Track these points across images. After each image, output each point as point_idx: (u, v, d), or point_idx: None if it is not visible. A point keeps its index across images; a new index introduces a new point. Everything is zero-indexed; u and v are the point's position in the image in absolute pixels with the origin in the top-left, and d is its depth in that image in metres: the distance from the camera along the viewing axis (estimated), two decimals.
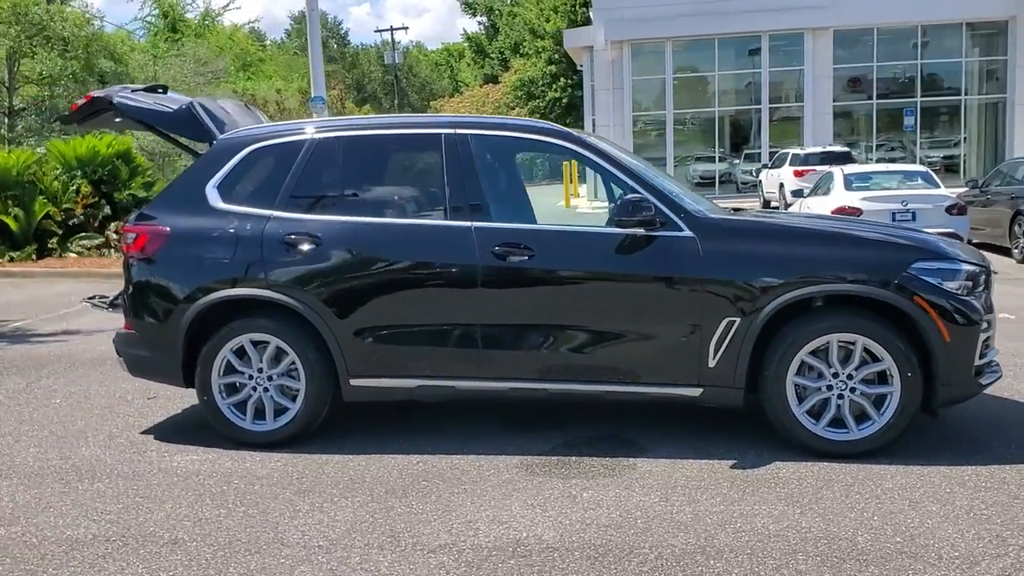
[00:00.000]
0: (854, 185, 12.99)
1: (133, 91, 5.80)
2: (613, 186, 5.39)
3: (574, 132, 5.46)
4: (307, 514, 4.32)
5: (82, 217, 15.60)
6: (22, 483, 4.86)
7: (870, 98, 29.81)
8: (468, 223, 5.13)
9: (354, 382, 5.25)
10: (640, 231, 4.96)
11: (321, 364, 5.24)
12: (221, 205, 5.41)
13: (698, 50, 30.12)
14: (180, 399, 6.46)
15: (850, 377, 4.84)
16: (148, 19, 36.43)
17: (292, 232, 5.25)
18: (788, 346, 4.83)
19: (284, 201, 5.34)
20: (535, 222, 5.34)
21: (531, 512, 4.27)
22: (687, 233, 4.95)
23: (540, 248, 5.04)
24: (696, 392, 4.99)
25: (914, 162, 25.74)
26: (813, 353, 4.87)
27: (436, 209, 5.27)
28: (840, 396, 4.87)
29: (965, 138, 29.77)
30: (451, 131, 5.31)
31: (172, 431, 5.76)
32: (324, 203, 5.41)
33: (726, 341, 4.87)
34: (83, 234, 15.42)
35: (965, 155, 29.58)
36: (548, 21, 48.84)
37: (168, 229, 5.40)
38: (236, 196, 5.44)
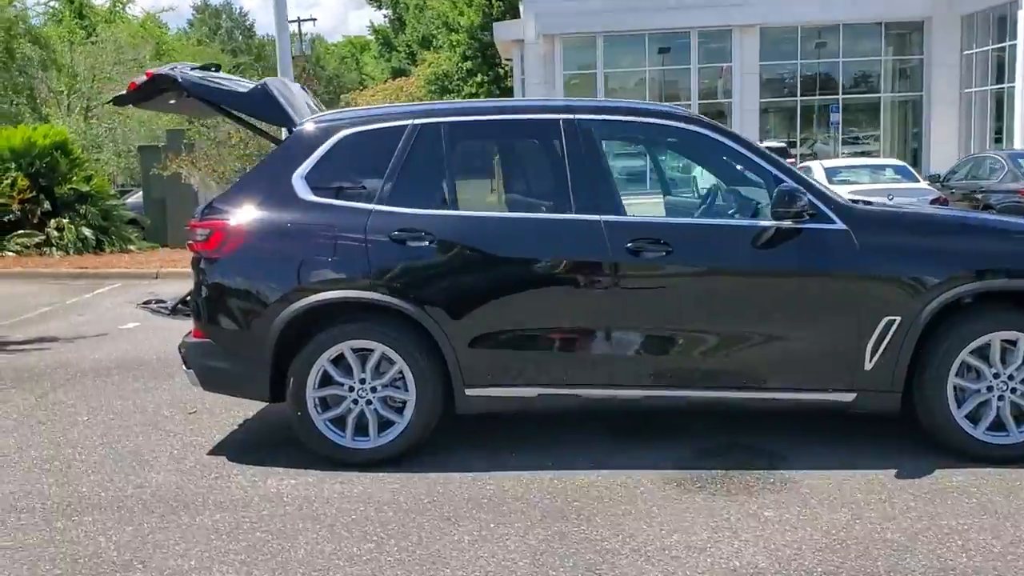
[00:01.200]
0: (836, 179, 12.97)
1: (191, 69, 5.14)
2: (749, 175, 5.01)
3: (704, 117, 5.06)
4: (474, 545, 3.82)
5: (19, 213, 14.41)
6: (107, 517, 4.21)
7: (794, 95, 30.30)
8: (596, 217, 4.68)
9: (470, 392, 4.75)
10: (787, 223, 4.60)
11: (433, 373, 4.72)
12: (312, 198, 4.82)
13: (628, 45, 30.09)
14: (226, 411, 5.84)
15: (1011, 378, 4.59)
16: (51, 4, 34.38)
17: (399, 228, 4.71)
18: (949, 346, 4.56)
19: (386, 193, 4.79)
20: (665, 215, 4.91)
21: (724, 535, 3.87)
22: (839, 225, 4.62)
23: (679, 243, 4.64)
24: (849, 397, 4.67)
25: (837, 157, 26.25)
26: (973, 353, 4.58)
27: (558, 202, 4.79)
28: (1000, 397, 4.61)
29: (877, 137, 30.56)
30: (570, 116, 4.85)
31: (243, 451, 5.14)
32: (431, 196, 4.89)
33: (885, 342, 4.57)
34: (21, 231, 14.25)
35: (880, 151, 30.35)
36: (462, 15, 48.20)
37: (251, 225, 4.79)
38: (329, 188, 4.87)
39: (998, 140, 27.64)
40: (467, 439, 5.14)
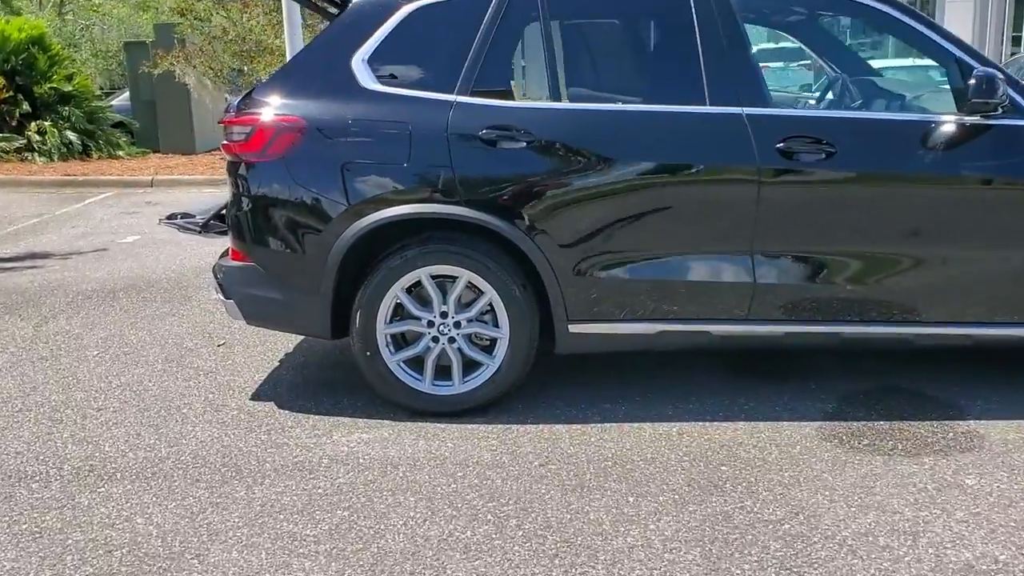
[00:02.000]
0: None
1: None
2: (932, 61, 4.06)
3: None
4: (619, 530, 3.01)
5: None
6: (142, 489, 3.37)
7: None
8: (737, 109, 3.74)
9: (574, 328, 3.88)
10: (976, 119, 3.69)
11: (530, 305, 3.84)
12: (377, 87, 3.86)
13: None
14: (261, 343, 4.98)
15: None
16: None
17: (490, 124, 3.76)
18: None
19: (471, 81, 3.83)
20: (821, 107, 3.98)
21: (933, 513, 3.07)
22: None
23: (843, 142, 3.71)
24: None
25: None
26: None
27: (688, 91, 3.83)
28: None
29: None
30: None
31: (294, 395, 4.28)
32: (528, 84, 3.93)
33: None
34: None
35: None
36: None
37: (304, 120, 3.82)
38: (397, 74, 3.89)
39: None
40: (558, 382, 4.29)
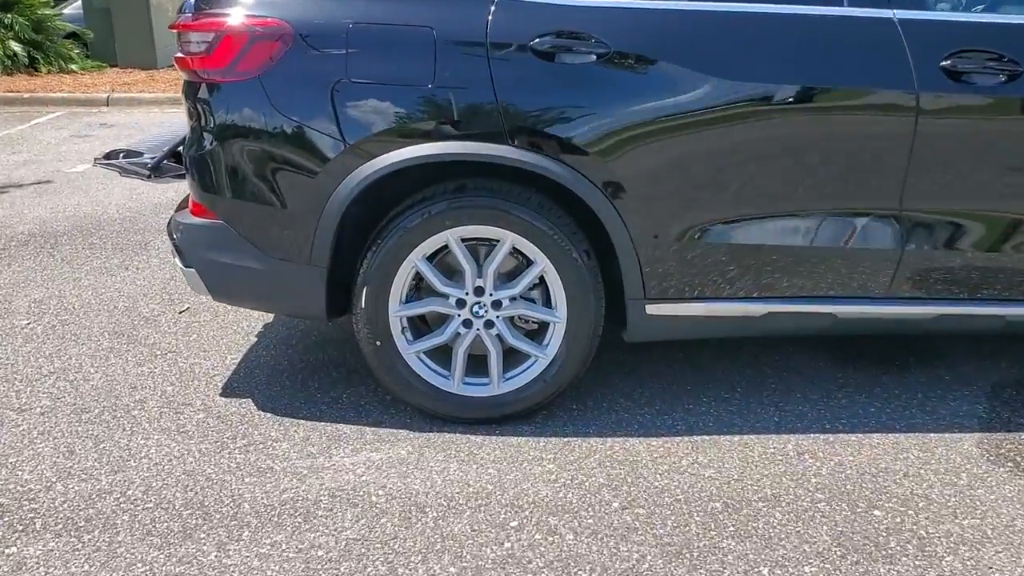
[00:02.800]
0: None
1: None
2: None
3: None
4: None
5: None
6: (72, 546, 2.41)
7: None
8: (887, 12, 2.70)
9: (653, 309, 2.89)
10: None
11: (595, 279, 2.84)
12: None
13: None
14: (236, 309, 3.93)
15: None
16: None
17: (547, 30, 2.70)
18: None
19: None
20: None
21: None
22: None
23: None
24: None
25: None
26: None
27: None
28: None
29: None
30: None
31: (279, 388, 3.30)
32: None
33: None
34: None
35: None
36: None
37: (287, 24, 2.74)
38: None
39: None
40: (608, 367, 3.32)
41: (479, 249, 2.91)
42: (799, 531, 2.41)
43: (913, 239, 2.83)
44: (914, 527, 2.42)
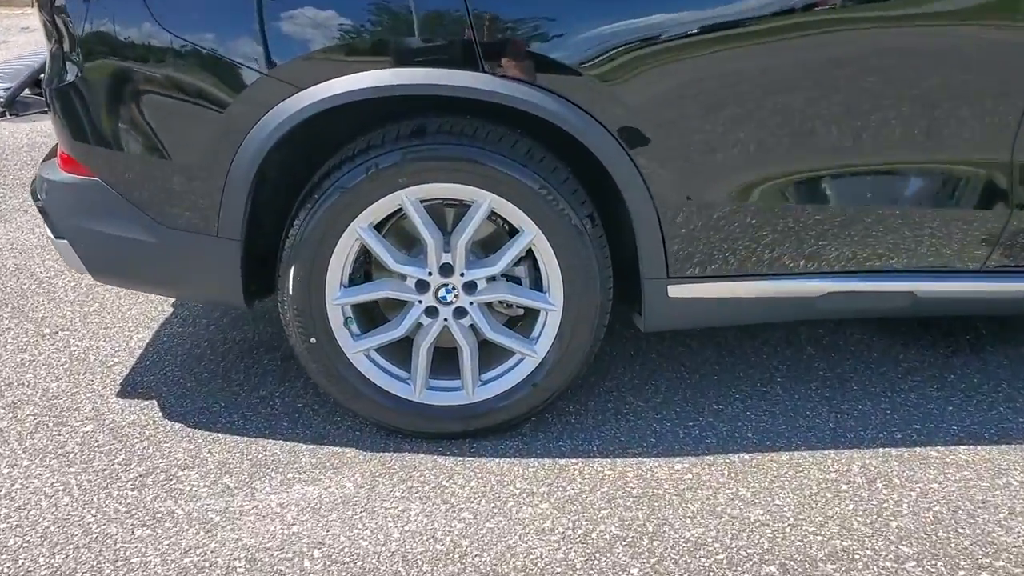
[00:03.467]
0: None
1: None
2: None
3: None
4: None
5: None
6: None
7: None
8: None
9: (676, 290, 2.16)
10: None
11: (601, 252, 2.10)
12: None
13: None
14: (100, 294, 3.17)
15: None
16: None
17: None
18: None
19: None
20: None
21: None
22: None
23: None
24: None
25: None
26: None
27: None
28: None
29: None
30: None
31: (192, 383, 2.60)
32: None
33: None
34: None
35: None
36: None
37: None
38: None
39: None
40: (609, 366, 2.63)
41: (445, 213, 2.17)
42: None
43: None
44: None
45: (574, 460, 2.22)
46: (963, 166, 2.11)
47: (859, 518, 2.01)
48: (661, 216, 2.08)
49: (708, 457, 2.23)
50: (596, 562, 1.88)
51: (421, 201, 2.11)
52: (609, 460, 2.22)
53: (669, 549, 1.92)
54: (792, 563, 1.87)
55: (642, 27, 1.95)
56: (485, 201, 2.09)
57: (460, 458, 2.23)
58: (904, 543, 1.94)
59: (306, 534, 1.97)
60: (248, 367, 2.64)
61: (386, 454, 2.24)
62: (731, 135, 2.03)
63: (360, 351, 2.23)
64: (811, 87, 2.01)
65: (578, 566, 1.87)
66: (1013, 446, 2.26)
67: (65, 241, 2.25)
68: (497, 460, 2.22)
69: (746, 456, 2.23)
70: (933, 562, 1.88)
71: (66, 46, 2.11)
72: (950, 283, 2.22)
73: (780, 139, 2.04)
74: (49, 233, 2.31)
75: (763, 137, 2.03)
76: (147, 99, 2.05)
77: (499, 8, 1.94)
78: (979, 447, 2.26)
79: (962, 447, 2.26)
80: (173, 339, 2.81)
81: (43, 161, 2.39)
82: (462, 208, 2.14)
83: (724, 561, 1.88)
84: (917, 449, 2.25)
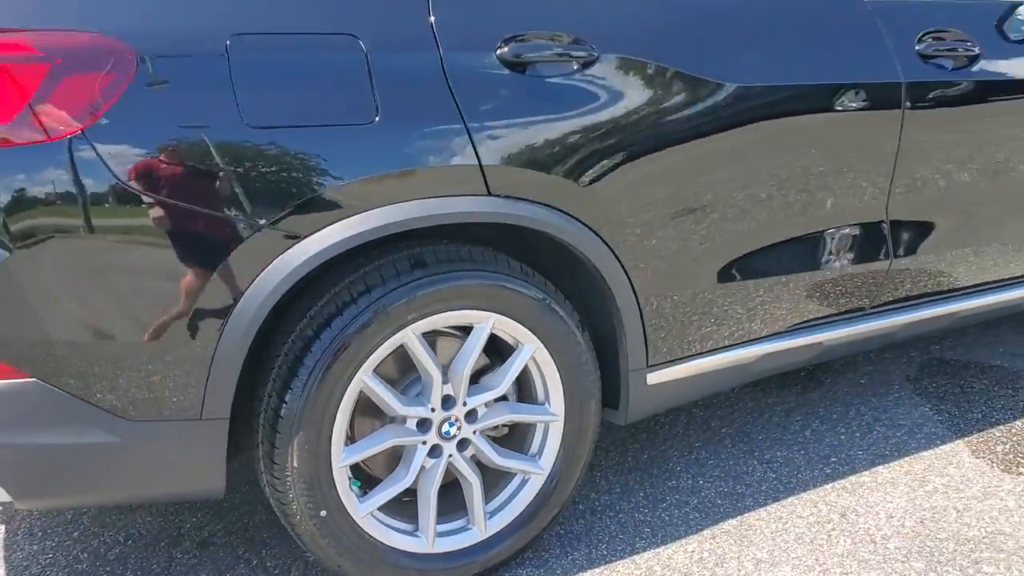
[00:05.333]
0: None
1: None
2: None
3: None
4: None
5: None
6: None
7: None
8: None
9: (655, 377, 2.29)
10: None
11: (593, 356, 2.16)
12: None
13: None
14: None
15: None
16: None
17: (519, 32, 1.95)
18: None
19: None
20: None
21: None
22: None
23: (985, 41, 2.54)
24: None
25: None
26: None
27: None
28: None
29: None
30: None
31: None
32: None
33: None
34: None
35: None
36: None
37: (128, 45, 1.66)
38: None
39: None
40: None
41: (438, 343, 2.05)
42: None
43: (899, 248, 2.53)
44: None
45: (599, 570, 2.18)
46: (854, 228, 2.45)
47: (864, 550, 2.21)
48: (642, 305, 2.16)
49: (706, 531, 2.31)
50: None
51: (423, 335, 1.98)
52: (629, 559, 2.21)
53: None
54: None
55: (614, 142, 2.03)
56: (488, 322, 2.02)
57: None
58: (913, 559, 2.17)
59: None
60: (165, 565, 2.23)
61: None
62: (701, 226, 2.18)
63: (368, 513, 2.01)
64: (749, 182, 2.22)
65: None
66: (913, 456, 2.63)
67: None
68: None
69: (733, 521, 2.35)
70: (947, 568, 2.13)
71: None
72: (849, 327, 2.54)
73: (726, 232, 2.22)
74: None
75: (715, 232, 2.20)
76: (112, 273, 1.70)
77: (492, 128, 1.90)
78: (892, 464, 2.59)
79: (880, 467, 2.58)
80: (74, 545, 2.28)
81: None
82: (456, 337, 2.05)
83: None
84: (852, 478, 2.53)
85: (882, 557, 2.18)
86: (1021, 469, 2.53)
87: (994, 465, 2.55)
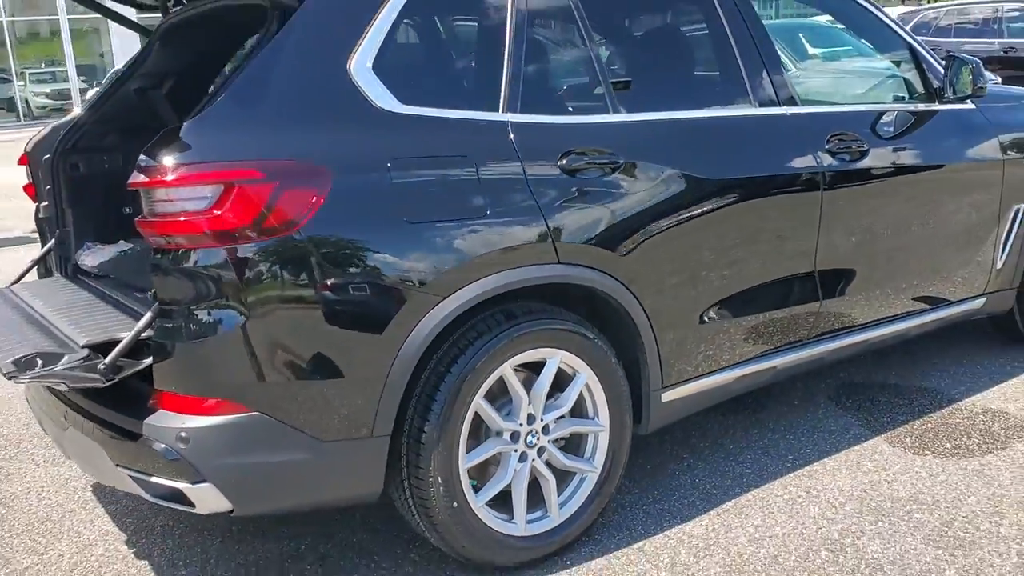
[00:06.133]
0: None
1: None
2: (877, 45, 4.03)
3: None
4: None
5: None
6: None
7: None
8: (781, 109, 3.31)
9: (668, 395, 3.09)
10: (935, 105, 3.79)
11: (623, 379, 2.95)
12: (400, 107, 2.58)
13: None
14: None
15: None
16: None
17: (571, 148, 2.78)
18: None
19: (517, 91, 2.77)
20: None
21: None
22: (968, 104, 3.92)
23: (869, 138, 3.52)
24: (979, 304, 4.09)
25: None
26: None
27: (729, 88, 3.28)
28: None
29: None
30: None
31: None
32: (579, 92, 3.00)
33: (1013, 233, 4.06)
34: None
35: None
36: None
37: (325, 167, 2.40)
38: (414, 85, 2.68)
39: None
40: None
41: (527, 374, 2.79)
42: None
43: (827, 291, 3.42)
44: None
45: (641, 544, 2.90)
46: (796, 278, 3.32)
47: (829, 512, 3.02)
48: (659, 339, 2.95)
49: (711, 511, 3.07)
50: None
51: (514, 368, 2.71)
52: (661, 535, 2.94)
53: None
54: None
55: (634, 221, 2.83)
56: (557, 357, 2.76)
57: None
58: (864, 514, 2.99)
59: None
60: None
61: None
62: (696, 280, 3.00)
63: (482, 505, 2.69)
64: (727, 243, 3.06)
65: None
66: (847, 450, 3.46)
67: (207, 484, 2.36)
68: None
69: (729, 504, 3.11)
70: (890, 517, 2.96)
71: (214, 298, 2.31)
72: (795, 354, 3.40)
73: (711, 273, 3.04)
74: (179, 484, 2.37)
75: (713, 277, 3.04)
76: (318, 331, 2.37)
77: (559, 216, 2.68)
78: (834, 456, 3.42)
79: (826, 459, 3.40)
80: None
81: (148, 416, 2.40)
82: (534, 370, 2.77)
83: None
84: (807, 468, 3.34)
85: (843, 515, 2.99)
86: (926, 452, 3.40)
87: (906, 451, 3.42)
